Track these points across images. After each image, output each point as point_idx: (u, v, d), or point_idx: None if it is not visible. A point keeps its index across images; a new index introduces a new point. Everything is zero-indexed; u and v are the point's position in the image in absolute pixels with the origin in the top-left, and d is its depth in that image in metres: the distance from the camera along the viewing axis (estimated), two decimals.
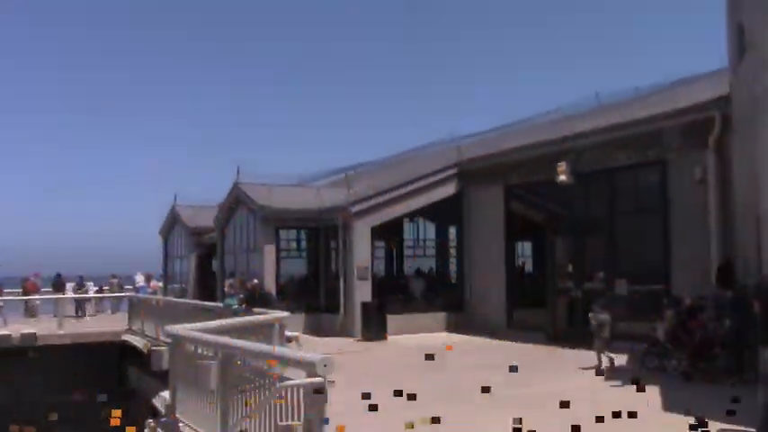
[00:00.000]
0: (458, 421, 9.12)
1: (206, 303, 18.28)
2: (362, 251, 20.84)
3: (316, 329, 21.15)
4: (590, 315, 13.48)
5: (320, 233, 22.88)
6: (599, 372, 12.79)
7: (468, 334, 19.55)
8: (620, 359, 13.74)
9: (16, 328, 22.56)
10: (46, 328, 23.09)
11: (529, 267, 23.53)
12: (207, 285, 28.41)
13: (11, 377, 21.59)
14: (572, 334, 16.10)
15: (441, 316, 21.15)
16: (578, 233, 18.15)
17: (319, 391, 5.38)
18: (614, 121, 16.74)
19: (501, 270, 20.17)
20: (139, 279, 31.22)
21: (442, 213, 23.13)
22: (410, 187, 21.56)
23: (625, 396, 10.70)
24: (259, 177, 23.86)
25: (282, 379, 5.99)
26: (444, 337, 19.69)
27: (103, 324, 25.26)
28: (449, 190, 21.84)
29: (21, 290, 29.32)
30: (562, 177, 17.15)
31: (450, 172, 21.83)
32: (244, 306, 14.74)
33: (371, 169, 29.18)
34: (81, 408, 20.58)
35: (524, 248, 23.80)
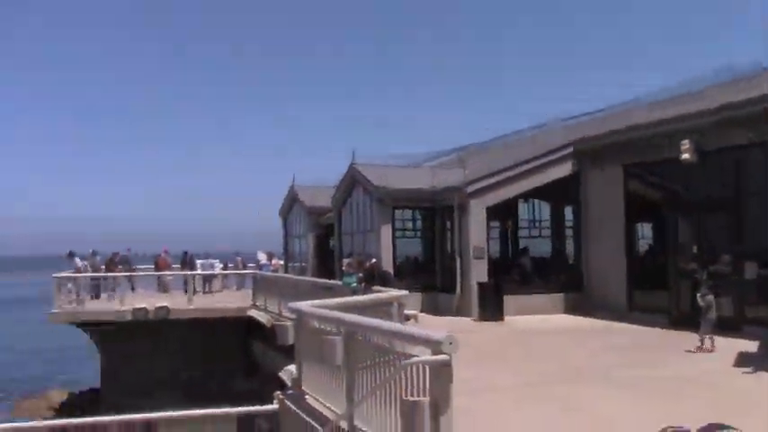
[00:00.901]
0: (582, 403, 9.14)
1: (326, 281, 18.83)
2: (478, 231, 20.87)
3: (433, 309, 21.39)
4: (698, 296, 13.41)
5: (435, 213, 23.04)
6: (700, 350, 13.01)
7: (587, 316, 19.30)
8: (751, 346, 13.28)
9: (151, 302, 23.97)
10: (177, 302, 24.41)
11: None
12: (325, 264, 29.22)
13: (146, 347, 23.09)
14: (696, 317, 15.58)
15: (558, 297, 20.91)
16: (701, 214, 17.49)
17: (445, 367, 5.52)
18: (740, 98, 15.96)
19: (621, 251, 19.71)
20: (262, 257, 32.43)
21: (558, 193, 22.75)
22: (525, 167, 21.36)
23: (757, 384, 10.37)
24: (374, 159, 24.28)
25: (406, 356, 6.17)
26: (563, 318, 19.50)
27: (229, 300, 26.47)
28: (564, 170, 21.48)
29: (153, 266, 31.14)
30: (686, 156, 16.54)
31: (566, 151, 21.45)
32: (362, 285, 15.10)
33: (485, 150, 29.06)
34: (211, 378, 21.85)
35: (644, 229, 23.12)
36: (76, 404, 24.28)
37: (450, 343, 5.50)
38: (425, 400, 5.64)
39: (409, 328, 7.57)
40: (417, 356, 5.90)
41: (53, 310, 23.62)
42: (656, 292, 18.46)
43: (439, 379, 5.57)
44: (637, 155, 19.21)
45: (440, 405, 5.56)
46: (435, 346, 5.58)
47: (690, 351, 13.06)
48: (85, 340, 26.27)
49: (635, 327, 16.92)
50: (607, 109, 24.52)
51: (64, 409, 23.49)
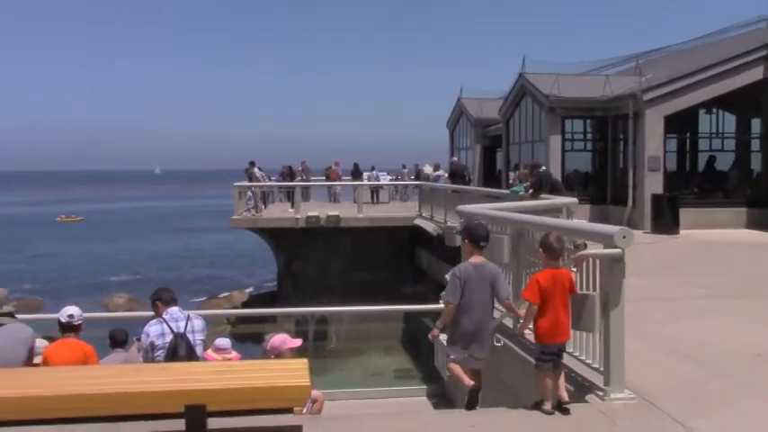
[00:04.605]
0: (763, 316, 8.65)
1: (492, 190, 18.73)
2: (654, 141, 19.80)
3: (602, 221, 20.68)
4: None
5: (608, 123, 22.05)
6: None
7: None
8: None
9: (323, 210, 25.01)
10: (347, 211, 25.29)
11: None
12: (492, 176, 29.06)
13: (318, 253, 24.23)
14: None
15: (741, 212, 19.63)
16: None
17: (617, 261, 5.35)
18: None
19: None
20: (428, 169, 32.66)
21: (745, 103, 21.07)
22: (709, 72, 19.82)
23: None
24: (545, 66, 23.49)
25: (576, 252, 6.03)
26: (745, 233, 18.32)
27: (396, 210, 27.06)
28: (755, 75, 19.75)
29: (324, 177, 32.33)
30: None
31: (758, 54, 19.66)
32: (530, 192, 14.79)
33: (665, 56, 27.22)
34: (380, 283, 22.66)
35: None
36: (257, 303, 26.05)
37: (624, 237, 5.31)
38: (596, 294, 5.53)
39: (580, 222, 7.39)
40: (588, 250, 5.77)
41: (233, 217, 25.16)
42: None
43: (611, 273, 5.42)
44: None
45: (611, 300, 5.43)
46: (607, 239, 5.41)
47: None
48: (265, 247, 27.93)
49: None
50: None
51: (245, 308, 25.29)
